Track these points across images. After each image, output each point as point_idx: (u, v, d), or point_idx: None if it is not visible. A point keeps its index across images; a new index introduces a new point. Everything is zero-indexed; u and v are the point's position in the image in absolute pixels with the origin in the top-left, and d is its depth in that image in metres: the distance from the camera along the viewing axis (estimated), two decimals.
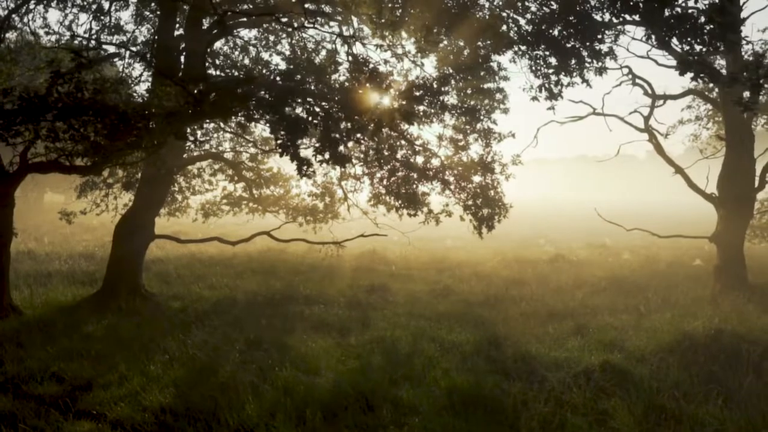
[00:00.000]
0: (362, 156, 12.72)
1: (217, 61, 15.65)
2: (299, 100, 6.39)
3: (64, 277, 13.85)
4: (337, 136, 6.53)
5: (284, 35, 15.76)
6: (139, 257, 11.85)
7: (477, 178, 11.93)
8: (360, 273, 15.58)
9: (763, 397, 6.07)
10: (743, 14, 12.92)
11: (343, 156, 6.65)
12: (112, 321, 9.79)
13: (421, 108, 11.17)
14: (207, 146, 15.41)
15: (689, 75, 7.68)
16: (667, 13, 7.12)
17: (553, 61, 8.35)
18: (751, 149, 12.75)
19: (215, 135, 15.64)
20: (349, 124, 7.14)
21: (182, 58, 12.16)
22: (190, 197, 17.02)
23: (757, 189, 12.62)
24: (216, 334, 9.18)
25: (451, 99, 11.90)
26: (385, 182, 12.44)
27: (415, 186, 11.95)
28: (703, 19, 7.09)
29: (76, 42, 13.82)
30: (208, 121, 11.28)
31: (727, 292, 11.74)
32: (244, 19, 11.93)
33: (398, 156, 11.94)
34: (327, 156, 6.56)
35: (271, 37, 16.12)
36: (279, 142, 6.14)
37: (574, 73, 8.42)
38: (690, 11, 7.20)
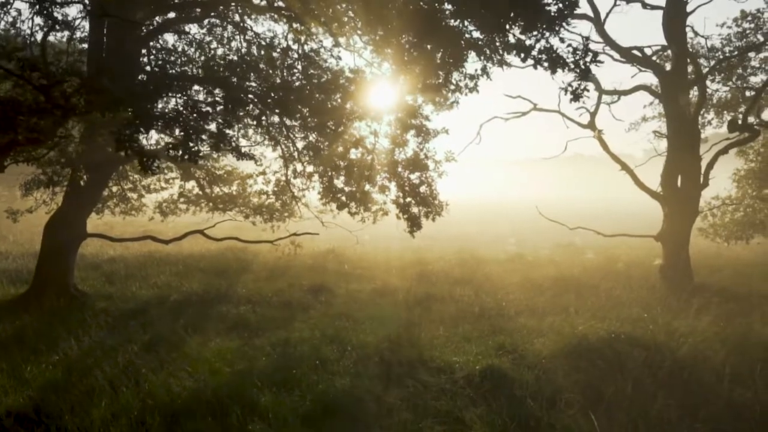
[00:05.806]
0: (309, 154, 12.59)
1: (172, 58, 15.53)
2: (165, 94, 6.22)
3: (8, 276, 13.77)
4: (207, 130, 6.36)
5: (237, 32, 15.59)
6: (68, 256, 11.71)
7: (412, 176, 11.67)
8: (310, 272, 15.36)
9: (627, 405, 5.75)
10: (689, 7, 12.60)
11: (197, 151, 6.44)
12: (26, 321, 9.68)
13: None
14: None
15: (530, 62, 7.34)
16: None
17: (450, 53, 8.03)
18: (696, 146, 12.21)
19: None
20: (233, 120, 6.94)
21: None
22: (145, 195, 16.91)
23: (702, 187, 12.11)
24: (122, 334, 9.02)
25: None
26: (324, 179, 12.29)
27: (356, 184, 11.74)
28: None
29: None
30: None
31: (670, 292, 11.35)
32: (173, 15, 11.71)
33: (338, 151, 11.75)
34: (180, 152, 6.36)
35: (226, 33, 15.97)
36: (115, 137, 5.95)
37: (475, 68, 8.11)
38: None
